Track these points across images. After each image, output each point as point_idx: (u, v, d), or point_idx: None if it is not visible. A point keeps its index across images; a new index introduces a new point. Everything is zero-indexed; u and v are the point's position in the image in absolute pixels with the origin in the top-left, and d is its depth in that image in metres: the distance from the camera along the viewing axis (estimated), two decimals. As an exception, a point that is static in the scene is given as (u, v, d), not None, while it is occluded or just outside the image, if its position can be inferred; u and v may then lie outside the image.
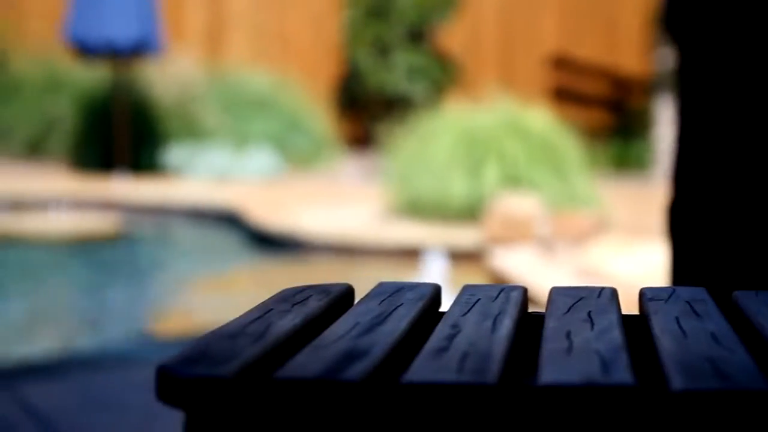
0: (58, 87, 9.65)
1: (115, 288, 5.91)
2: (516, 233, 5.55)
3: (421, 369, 0.88)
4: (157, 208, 8.11)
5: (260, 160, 9.36)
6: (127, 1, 8.55)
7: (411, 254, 6.29)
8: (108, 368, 3.69)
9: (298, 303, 1.16)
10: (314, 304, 1.16)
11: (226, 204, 7.77)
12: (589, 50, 11.19)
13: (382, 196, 7.35)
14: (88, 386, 3.39)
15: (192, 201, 8.05)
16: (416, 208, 7.00)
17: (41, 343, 4.70)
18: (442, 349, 0.94)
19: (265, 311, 1.12)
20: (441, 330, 1.03)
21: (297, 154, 9.82)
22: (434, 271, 5.48)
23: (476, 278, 5.29)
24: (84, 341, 4.72)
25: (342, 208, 7.57)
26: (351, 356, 0.90)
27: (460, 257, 6.09)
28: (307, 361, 0.89)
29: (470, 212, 6.79)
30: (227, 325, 1.03)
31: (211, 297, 5.67)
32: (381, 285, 1.28)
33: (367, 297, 1.20)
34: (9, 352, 4.50)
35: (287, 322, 1.04)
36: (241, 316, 1.07)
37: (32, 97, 9.61)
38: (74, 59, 9.54)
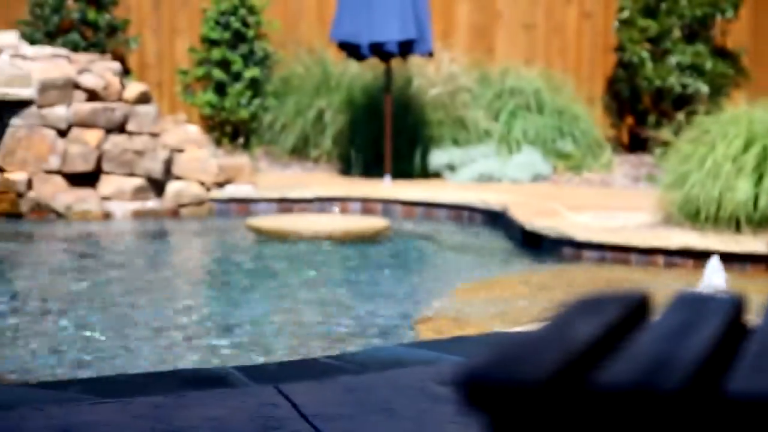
0: (328, 88, 9.81)
1: (381, 288, 5.90)
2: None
3: (745, 380, 0.87)
4: (425, 210, 8.11)
5: (528, 162, 9.21)
6: (395, 2, 8.56)
7: (689, 260, 6.01)
8: (374, 369, 3.63)
9: (596, 310, 1.13)
10: (613, 312, 1.12)
11: (494, 206, 7.68)
12: None
13: (656, 199, 7.05)
14: (354, 387, 3.34)
15: (460, 202, 8.00)
16: (694, 213, 6.67)
17: (305, 341, 4.72)
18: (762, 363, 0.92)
19: (563, 318, 1.09)
20: (756, 341, 1.01)
21: (566, 156, 9.62)
22: (716, 279, 5.19)
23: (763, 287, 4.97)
24: (350, 341, 4.71)
25: (613, 212, 7.32)
26: (663, 366, 0.90)
27: (745, 265, 5.75)
28: (619, 371, 0.89)
29: (756, 219, 6.41)
30: (528, 332, 1.02)
31: (479, 300, 5.56)
32: (681, 294, 1.24)
33: (669, 306, 1.17)
34: (275, 350, 4.54)
35: (588, 330, 1.02)
36: (539, 323, 1.06)
37: (304, 97, 9.81)
38: (345, 60, 9.68)
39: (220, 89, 10.07)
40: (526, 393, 0.86)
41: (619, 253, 6.35)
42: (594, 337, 0.99)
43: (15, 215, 7.79)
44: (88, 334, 4.74)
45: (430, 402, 3.15)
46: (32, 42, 9.36)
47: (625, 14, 10.22)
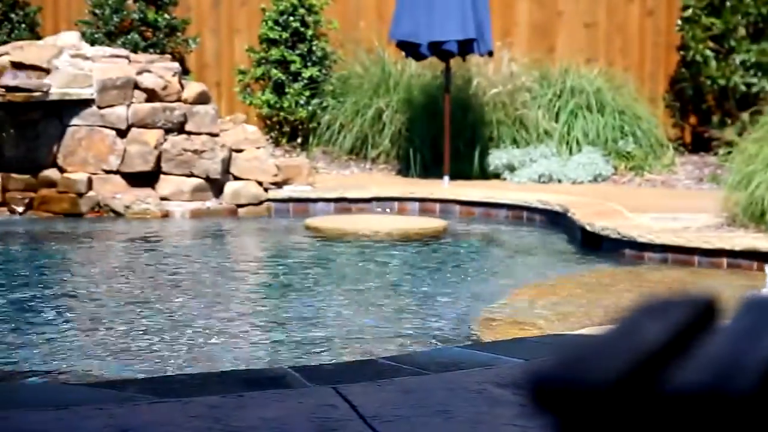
0: (387, 88, 9.78)
1: (439, 289, 5.86)
2: None
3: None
4: (484, 210, 8.06)
5: (589, 163, 9.12)
6: (455, 1, 8.51)
7: (753, 262, 5.90)
8: (432, 371, 3.59)
9: (663, 313, 1.07)
10: (681, 315, 1.06)
11: (554, 206, 7.61)
12: None
13: (720, 200, 6.93)
14: (412, 389, 3.30)
15: (519, 203, 7.94)
16: (759, 214, 6.54)
17: (364, 341, 4.69)
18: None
19: (631, 321, 1.06)
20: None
21: (627, 156, 9.51)
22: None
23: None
24: (408, 342, 4.67)
25: (676, 213, 7.21)
26: (734, 369, 0.87)
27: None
28: (690, 374, 0.86)
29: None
30: (594, 334, 0.98)
31: (538, 301, 5.50)
32: (750, 297, 1.21)
33: (737, 309, 1.11)
34: (334, 350, 4.51)
35: (656, 332, 0.97)
36: (605, 325, 1.01)
37: (363, 97, 9.78)
38: (404, 59, 9.65)
39: (279, 89, 10.08)
40: (596, 395, 0.85)
41: (682, 254, 6.25)
42: (663, 340, 0.96)
43: (75, 215, 7.84)
44: (147, 333, 4.74)
45: (488, 404, 3.10)
46: (93, 42, 9.43)
47: (689, 12, 10.08)
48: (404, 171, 9.45)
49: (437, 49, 8.71)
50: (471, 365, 3.62)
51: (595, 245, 6.74)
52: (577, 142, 9.43)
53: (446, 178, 8.77)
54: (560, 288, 5.93)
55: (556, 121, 9.59)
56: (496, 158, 9.20)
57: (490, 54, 8.93)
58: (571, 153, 9.32)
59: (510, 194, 8.15)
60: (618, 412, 0.86)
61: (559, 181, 8.93)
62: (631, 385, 0.86)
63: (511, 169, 9.11)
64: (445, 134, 8.88)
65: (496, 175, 9.17)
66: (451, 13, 8.50)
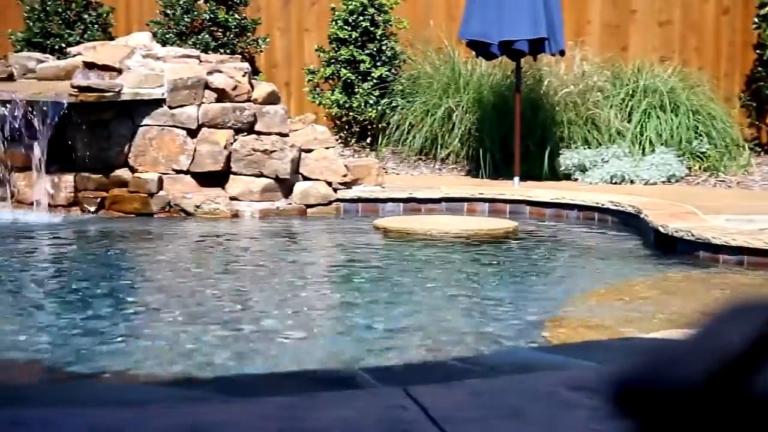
0: (457, 87, 9.73)
1: (509, 290, 5.81)
2: None
3: None
4: (554, 211, 7.98)
5: (662, 163, 8.99)
6: (526, 0, 8.44)
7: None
8: (503, 373, 3.54)
9: (746, 316, 1.04)
10: (762, 318, 1.03)
11: (627, 208, 7.51)
12: None
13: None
14: (483, 391, 3.26)
15: (591, 204, 7.85)
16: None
17: (433, 342, 4.66)
18: None
19: (713, 324, 1.01)
20: None
21: (702, 157, 9.37)
22: None
23: None
24: (478, 343, 4.63)
25: (752, 214, 7.08)
26: None
27: None
28: None
29: None
30: (676, 337, 0.96)
31: (611, 303, 5.42)
32: None
33: None
34: (405, 350, 4.48)
35: (740, 335, 0.96)
36: (687, 328, 0.99)
37: (433, 97, 9.74)
38: (474, 59, 9.60)
39: (348, 89, 10.07)
40: (682, 398, 0.84)
41: (759, 257, 6.13)
42: (748, 343, 0.94)
43: (145, 214, 7.89)
44: (221, 332, 4.75)
45: (560, 408, 3.05)
46: (164, 42, 9.49)
47: (766, 10, 9.91)
48: (474, 171, 9.39)
49: (508, 48, 8.64)
50: (542, 367, 3.57)
51: (669, 247, 6.64)
52: (650, 143, 9.32)
53: (516, 178, 8.70)
54: (632, 290, 5.84)
55: (629, 120, 9.48)
56: (567, 159, 9.11)
57: (562, 53, 8.84)
58: (644, 153, 9.21)
59: (581, 195, 8.07)
60: (702, 416, 0.85)
61: (632, 182, 8.82)
62: (720, 388, 0.85)
63: (583, 169, 9.02)
64: (516, 134, 8.81)
65: (567, 176, 9.08)
66: (522, 12, 8.43)
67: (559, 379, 3.34)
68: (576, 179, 9.00)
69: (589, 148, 9.27)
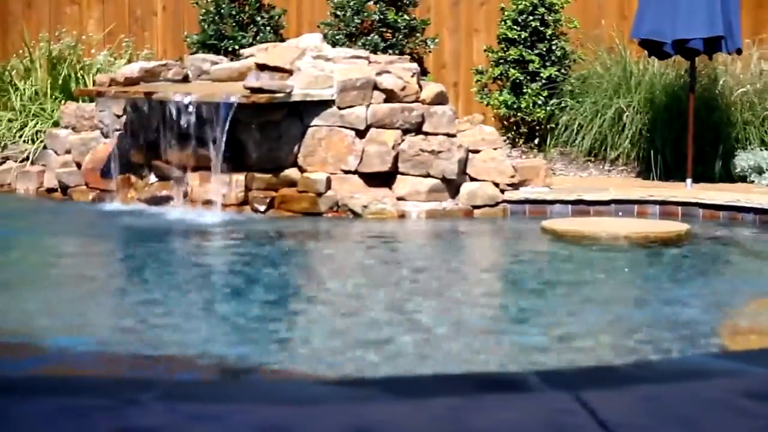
0: (628, 87, 9.57)
1: (680, 294, 5.67)
2: None
3: None
4: (729, 215, 7.77)
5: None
6: (701, -2, 8.24)
7: None
8: (674, 380, 3.46)
9: None
10: None
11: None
12: None
13: None
14: (654, 397, 3.18)
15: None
16: None
17: (601, 346, 4.59)
18: None
19: None
20: None
21: None
22: None
23: None
24: (648, 348, 4.53)
25: None
26: None
27: None
28: None
29: None
30: None
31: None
32: None
33: None
34: (572, 353, 4.43)
35: None
36: None
37: (603, 97, 9.60)
38: (646, 58, 9.42)
39: (517, 89, 10.01)
40: None
41: None
42: None
43: (314, 214, 7.99)
44: (387, 331, 4.77)
45: (735, 416, 2.96)
46: (334, 43, 9.60)
47: None
48: (644, 173, 9.22)
49: (682, 47, 8.45)
50: (716, 374, 3.47)
51: None
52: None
53: (689, 180, 8.50)
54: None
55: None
56: (743, 160, 8.87)
57: (739, 52, 8.60)
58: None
59: (758, 198, 7.83)
60: None
61: (811, 185, 8.53)
62: None
63: (759, 171, 8.76)
64: (689, 135, 8.60)
65: (742, 178, 8.84)
66: (697, 10, 8.23)
67: (734, 387, 3.25)
68: (752, 181, 8.75)
69: (766, 149, 9.00)
